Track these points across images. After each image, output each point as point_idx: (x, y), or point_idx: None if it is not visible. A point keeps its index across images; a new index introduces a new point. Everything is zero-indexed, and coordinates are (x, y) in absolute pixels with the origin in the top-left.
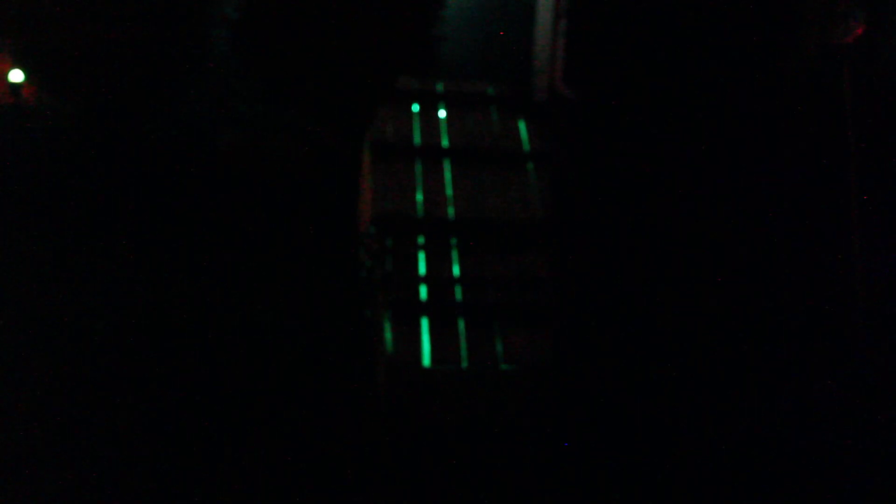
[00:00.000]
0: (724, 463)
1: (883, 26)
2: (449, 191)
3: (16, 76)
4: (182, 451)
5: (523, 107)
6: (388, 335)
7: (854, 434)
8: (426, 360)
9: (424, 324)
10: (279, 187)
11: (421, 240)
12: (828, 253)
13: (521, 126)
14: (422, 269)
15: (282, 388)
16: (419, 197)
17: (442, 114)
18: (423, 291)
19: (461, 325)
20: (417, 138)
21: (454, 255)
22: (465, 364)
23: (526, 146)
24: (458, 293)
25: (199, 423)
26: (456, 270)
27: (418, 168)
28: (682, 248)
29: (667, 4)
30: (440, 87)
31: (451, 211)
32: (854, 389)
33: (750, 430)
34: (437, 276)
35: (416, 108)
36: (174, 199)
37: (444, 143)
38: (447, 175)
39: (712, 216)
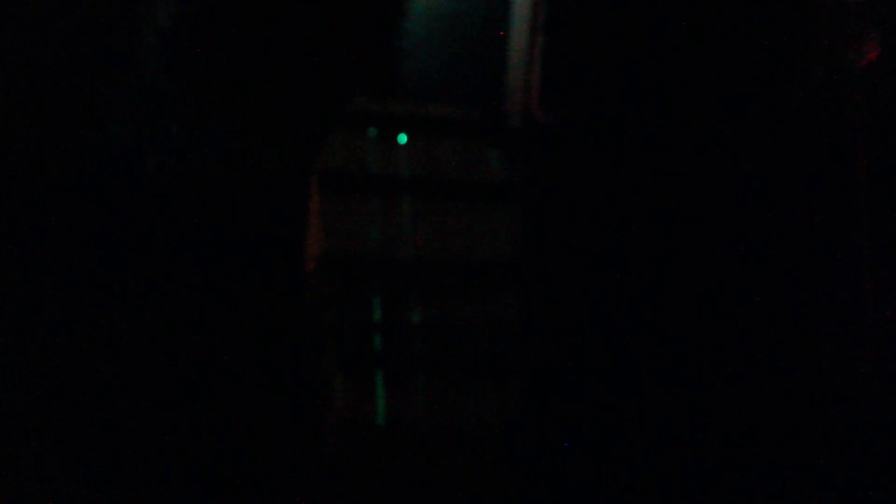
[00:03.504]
0: (721, 465)
1: None
2: (408, 228)
3: None
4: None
5: (494, 133)
6: (339, 390)
7: (854, 434)
8: (380, 418)
9: (379, 377)
10: (215, 218)
11: (376, 283)
12: (833, 280)
13: (492, 155)
14: (376, 315)
15: (221, 450)
16: (374, 234)
17: (402, 139)
18: (378, 341)
19: (421, 378)
20: (373, 167)
21: (414, 300)
22: (422, 422)
23: (496, 177)
24: (418, 343)
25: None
26: (415, 317)
27: (374, 202)
28: (669, 291)
29: (659, 17)
30: (400, 109)
31: (410, 250)
32: (857, 389)
33: (748, 434)
34: (394, 323)
35: (372, 132)
36: (98, 227)
37: (405, 173)
38: (406, 209)
39: (706, 257)
